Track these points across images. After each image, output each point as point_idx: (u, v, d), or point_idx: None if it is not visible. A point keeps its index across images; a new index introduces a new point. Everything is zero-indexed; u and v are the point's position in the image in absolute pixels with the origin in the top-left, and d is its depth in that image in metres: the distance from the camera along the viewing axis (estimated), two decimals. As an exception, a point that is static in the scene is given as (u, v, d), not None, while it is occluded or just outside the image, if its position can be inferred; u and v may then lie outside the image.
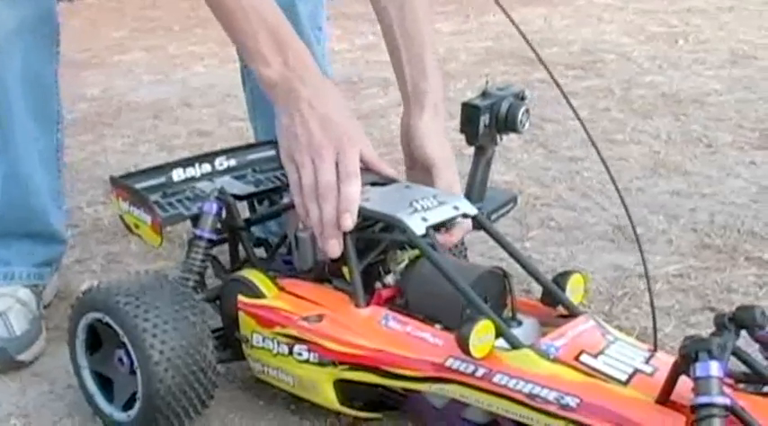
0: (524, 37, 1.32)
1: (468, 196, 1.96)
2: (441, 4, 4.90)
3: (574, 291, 1.12)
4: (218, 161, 1.47)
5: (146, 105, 3.09)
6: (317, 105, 1.12)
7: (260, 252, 1.38)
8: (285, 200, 1.30)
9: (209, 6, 1.17)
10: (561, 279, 1.12)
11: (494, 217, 1.96)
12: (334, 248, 1.11)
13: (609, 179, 2.11)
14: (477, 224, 1.17)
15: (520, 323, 1.08)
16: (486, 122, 1.89)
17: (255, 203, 1.43)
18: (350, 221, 1.09)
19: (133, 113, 3.01)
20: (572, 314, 1.09)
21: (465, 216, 1.16)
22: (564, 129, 2.52)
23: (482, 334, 0.98)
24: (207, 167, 1.46)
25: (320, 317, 1.11)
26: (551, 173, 2.19)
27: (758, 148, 2.32)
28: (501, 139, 1.98)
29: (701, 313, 1.48)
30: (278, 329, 1.14)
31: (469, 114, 1.88)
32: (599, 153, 1.23)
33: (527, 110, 1.90)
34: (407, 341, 1.05)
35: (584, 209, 1.96)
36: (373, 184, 1.23)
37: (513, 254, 1.15)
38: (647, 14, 4.32)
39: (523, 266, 1.15)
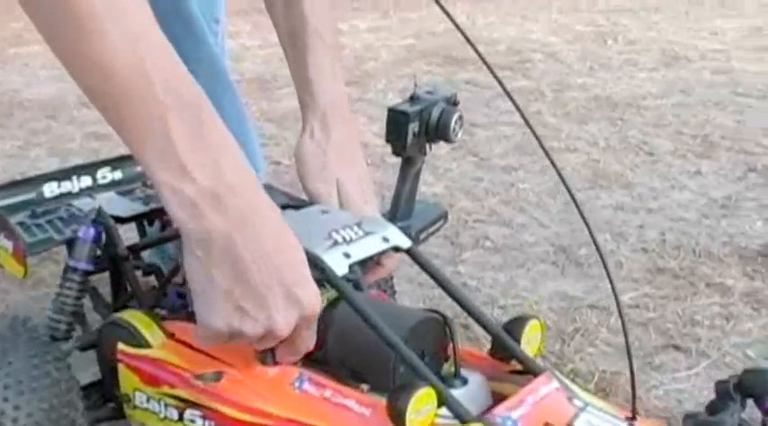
0: (464, 33, 1.11)
1: (395, 212, 1.78)
2: (356, -1, 4.71)
3: (530, 341, 0.92)
4: (100, 173, 1.24)
5: (40, 103, 2.84)
6: (272, 260, 0.77)
7: (151, 280, 1.16)
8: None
9: (58, 55, 0.73)
10: (514, 326, 0.92)
11: (423, 235, 1.77)
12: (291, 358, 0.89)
13: (546, 191, 1.97)
14: (412, 258, 0.96)
15: (465, 382, 0.87)
16: (415, 130, 1.70)
17: (145, 224, 1.21)
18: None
19: (26, 112, 2.75)
20: (529, 370, 0.89)
21: (396, 249, 0.95)
22: (495, 135, 2.34)
23: (421, 406, 0.77)
24: (87, 180, 1.22)
25: (218, 376, 0.89)
26: (483, 185, 2.00)
27: (701, 157, 2.17)
28: (430, 149, 1.80)
29: (665, 351, 1.30)
30: (166, 389, 0.92)
31: (397, 121, 1.68)
32: (552, 162, 1.04)
33: (460, 117, 1.70)
34: (326, 411, 0.83)
35: (521, 226, 1.77)
36: (284, 207, 1.02)
37: (454, 295, 0.95)
38: (572, 13, 4.19)
39: (467, 310, 0.94)
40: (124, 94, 0.72)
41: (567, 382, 0.87)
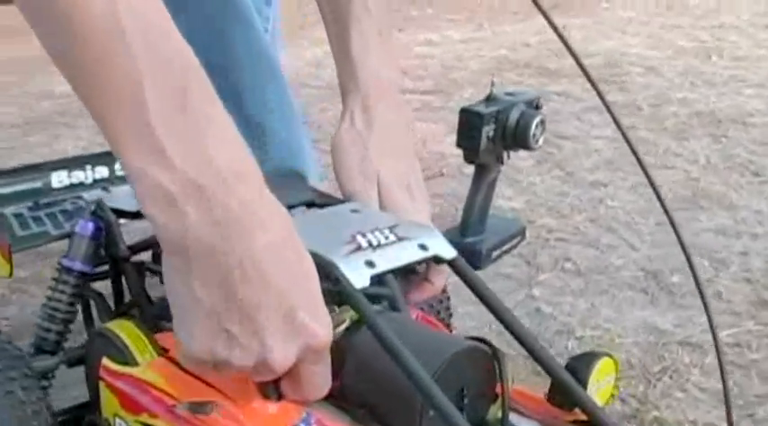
0: (563, 39, 0.97)
1: (465, 226, 1.60)
2: (450, 10, 4.55)
3: (599, 385, 0.73)
4: (118, 164, 1.09)
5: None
6: (268, 271, 0.60)
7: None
8: None
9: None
10: (580, 365, 0.73)
11: (495, 253, 1.59)
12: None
13: (639, 210, 1.77)
14: (456, 272, 0.77)
15: None
16: (489, 135, 1.53)
17: None
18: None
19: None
20: (597, 423, 0.70)
21: (437, 260, 0.75)
22: (585, 149, 2.15)
23: None
24: (102, 171, 1.09)
25: (208, 407, 0.72)
26: (569, 201, 1.81)
27: (815, 180, 1.95)
28: (508, 157, 1.62)
29: (770, 401, 1.10)
30: (145, 417, 0.75)
31: (470, 123, 1.51)
32: (646, 173, 0.87)
33: (542, 122, 1.53)
34: (331, 462, 0.66)
35: (609, 247, 1.58)
36: (309, 205, 0.86)
37: (504, 321, 0.75)
38: (674, 29, 3.96)
39: (520, 340, 0.74)
40: (91, 53, 0.57)
41: None
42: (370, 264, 0.69)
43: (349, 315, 0.74)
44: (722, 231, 1.66)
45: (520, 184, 1.91)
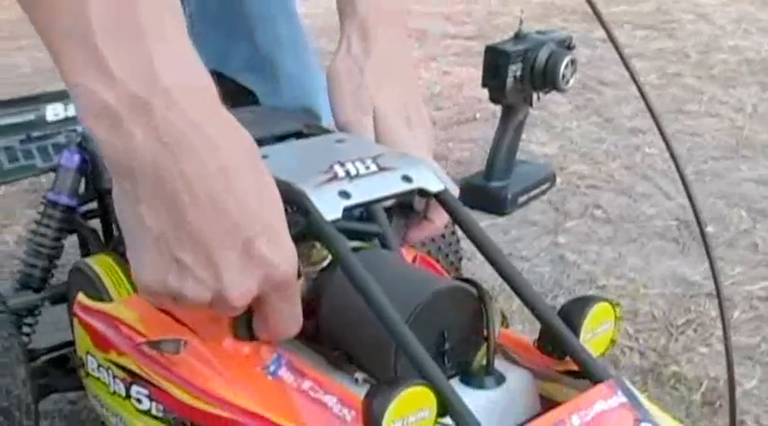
0: None
1: (491, 169, 1.55)
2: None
3: (595, 334, 0.66)
4: None
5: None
6: (221, 198, 0.55)
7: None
8: None
9: None
10: (574, 310, 0.65)
11: (522, 198, 1.54)
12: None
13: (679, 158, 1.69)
14: (442, 205, 0.71)
15: (500, 381, 0.64)
16: (517, 74, 1.47)
17: None
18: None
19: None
20: (586, 375, 0.64)
21: (421, 193, 0.68)
22: (625, 95, 2.07)
23: (407, 411, 0.54)
24: None
25: (177, 345, 0.68)
26: (604, 147, 1.74)
27: None
28: (538, 99, 1.56)
29: (798, 361, 1.04)
30: (113, 355, 0.72)
31: (496, 62, 1.45)
32: (657, 121, 0.81)
33: (572, 62, 1.46)
34: (298, 407, 0.61)
35: (642, 196, 1.51)
36: (296, 135, 0.80)
37: (494, 261, 0.68)
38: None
39: (506, 279, 0.66)
40: None
41: (640, 396, 0.62)
42: (345, 195, 0.63)
43: (325, 254, 0.69)
44: (763, 181, 1.58)
45: (555, 130, 1.84)
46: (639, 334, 1.09)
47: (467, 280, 0.66)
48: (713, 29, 2.78)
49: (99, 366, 0.73)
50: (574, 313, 0.64)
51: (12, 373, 0.73)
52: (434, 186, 0.67)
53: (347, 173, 0.64)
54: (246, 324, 0.66)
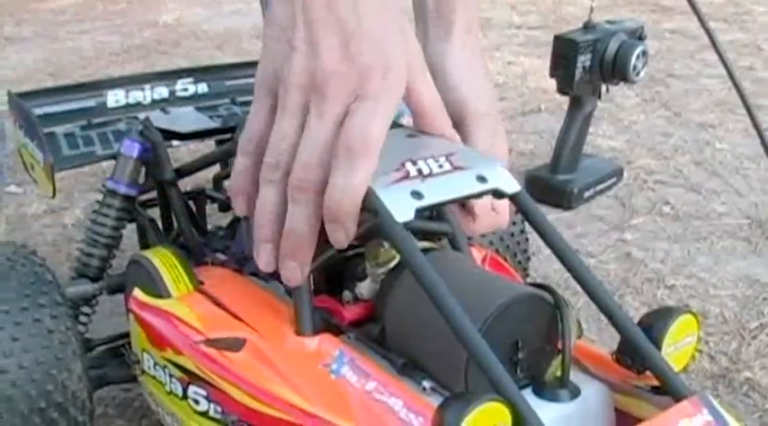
0: None
1: (556, 163, 1.51)
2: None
3: (677, 348, 0.63)
4: (180, 83, 1.04)
5: (213, 35, 2.75)
6: (341, 1, 0.57)
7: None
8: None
9: None
10: (656, 321, 0.62)
11: (588, 193, 1.49)
12: (294, 274, 0.59)
13: (749, 155, 1.64)
14: (518, 209, 0.67)
15: (575, 394, 0.61)
16: (585, 64, 1.43)
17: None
18: (342, 239, 0.58)
19: (197, 43, 2.66)
20: (668, 391, 0.60)
21: (496, 194, 0.64)
22: (695, 88, 2.02)
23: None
24: (162, 91, 1.03)
25: (237, 343, 0.66)
26: (672, 142, 1.70)
27: None
28: (607, 91, 1.51)
29: None
30: (170, 353, 0.70)
31: (564, 52, 1.41)
32: (752, 116, 0.77)
33: (644, 53, 1.42)
34: (362, 410, 0.59)
35: (712, 192, 1.47)
36: None
37: (570, 267, 0.65)
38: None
39: (587, 290, 0.63)
40: None
41: (726, 415, 0.58)
42: (418, 195, 0.59)
43: (391, 255, 0.67)
44: (841, 179, 1.53)
45: (622, 123, 1.80)
46: (710, 337, 1.05)
47: (541, 286, 0.64)
48: (787, 21, 2.72)
49: (155, 364, 0.72)
50: (655, 325, 0.61)
51: (68, 368, 0.72)
52: (510, 187, 0.63)
53: (419, 171, 0.60)
54: (310, 320, 0.64)
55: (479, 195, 0.63)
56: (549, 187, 1.43)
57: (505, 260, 0.85)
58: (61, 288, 0.76)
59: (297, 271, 0.59)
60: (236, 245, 0.84)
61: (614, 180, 1.49)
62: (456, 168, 0.62)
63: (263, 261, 0.60)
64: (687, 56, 2.28)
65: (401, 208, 0.58)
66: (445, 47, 0.76)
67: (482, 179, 0.62)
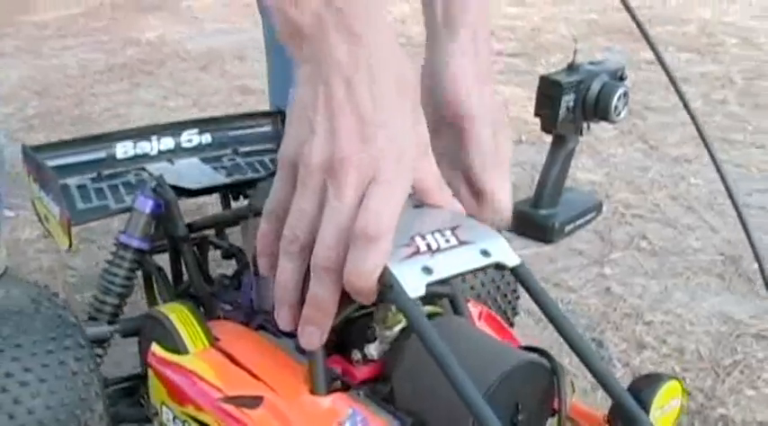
0: (626, 5, 0.91)
1: (539, 197, 1.56)
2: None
3: (664, 411, 0.68)
4: (185, 135, 1.08)
5: (197, 55, 2.78)
6: (359, 87, 0.63)
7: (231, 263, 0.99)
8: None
9: None
10: (645, 387, 0.69)
11: (569, 228, 1.54)
12: (313, 338, 0.65)
13: (723, 190, 1.70)
14: (519, 281, 0.72)
15: None
16: (569, 105, 1.48)
17: (230, 197, 1.04)
18: (364, 302, 0.64)
19: (180, 63, 2.69)
20: None
21: (498, 266, 0.69)
22: (671, 122, 2.08)
23: None
24: (168, 142, 1.07)
25: (255, 402, 0.70)
26: (650, 176, 1.75)
27: None
28: (588, 129, 1.57)
29: None
30: (190, 409, 0.74)
31: (549, 92, 1.46)
32: (712, 155, 0.82)
33: (625, 94, 1.47)
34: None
35: (688, 228, 1.52)
36: None
37: (566, 336, 0.68)
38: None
39: (581, 357, 0.68)
40: None
41: None
42: (428, 271, 0.64)
43: (398, 319, 0.71)
44: (810, 218, 1.59)
45: (600, 155, 1.86)
46: (687, 374, 1.10)
47: (538, 350, 0.68)
48: (759, 54, 2.78)
49: (175, 417, 0.76)
50: (644, 390, 0.67)
51: (91, 408, 0.75)
52: (511, 260, 0.68)
53: (428, 246, 0.65)
54: (324, 379, 0.68)
55: (483, 268, 0.68)
56: (531, 221, 1.48)
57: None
58: (83, 330, 0.80)
59: (316, 336, 0.64)
60: (243, 298, 0.88)
61: (594, 214, 1.55)
62: (462, 242, 0.67)
63: (284, 321, 0.66)
64: (664, 87, 2.33)
65: (414, 284, 0.63)
66: (449, 52, 0.82)
67: (486, 253, 0.67)
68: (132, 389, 0.89)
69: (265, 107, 2.25)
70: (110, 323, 0.91)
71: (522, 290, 0.96)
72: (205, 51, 2.82)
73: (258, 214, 0.75)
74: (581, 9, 3.47)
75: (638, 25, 0.87)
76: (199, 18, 3.33)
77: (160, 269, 0.96)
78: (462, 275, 0.67)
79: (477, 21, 0.83)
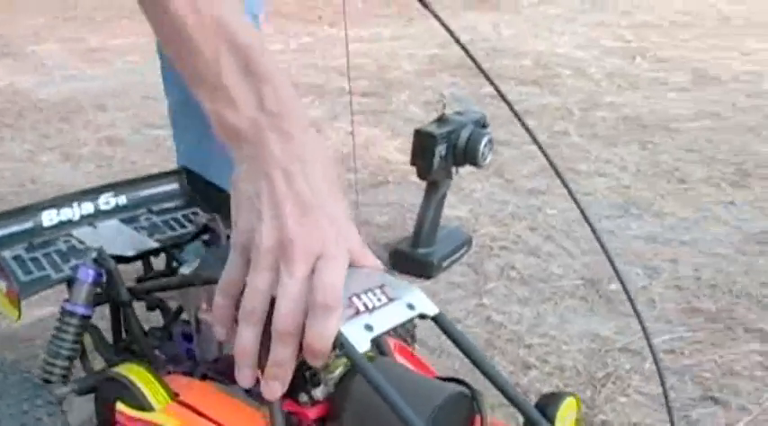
0: (464, 48, 1.04)
1: (417, 237, 1.70)
2: (380, 6, 4.64)
3: (565, 422, 0.83)
4: (102, 198, 1.16)
5: (54, 105, 2.80)
6: (296, 177, 0.75)
7: (155, 315, 1.08)
8: (183, 269, 1.00)
9: (145, 13, 0.81)
10: (549, 404, 0.82)
11: (445, 263, 1.69)
12: (274, 391, 0.77)
13: (575, 218, 1.88)
14: (439, 326, 0.86)
15: None
16: (442, 153, 1.62)
17: (150, 258, 1.14)
18: (320, 364, 0.76)
19: (39, 114, 2.71)
20: None
21: (422, 316, 0.80)
22: (521, 155, 2.26)
23: None
24: (88, 207, 1.15)
25: None
26: (509, 209, 1.92)
27: (735, 186, 2.08)
28: (456, 172, 1.72)
29: (703, 404, 1.22)
30: None
31: (424, 144, 1.61)
32: (566, 186, 0.97)
33: (490, 140, 1.63)
34: None
35: (549, 256, 1.69)
36: None
37: (484, 372, 0.83)
38: (599, 27, 4.11)
39: (499, 388, 0.81)
40: (187, 42, 0.76)
41: None
42: (369, 328, 0.75)
43: (342, 362, 0.83)
44: (653, 238, 1.78)
45: (463, 191, 2.01)
46: (569, 388, 1.25)
47: (460, 381, 0.82)
48: (590, 84, 3.02)
49: None
50: (549, 406, 0.81)
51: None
52: (431, 310, 0.81)
53: (365, 306, 0.76)
54: (283, 422, 0.79)
55: (411, 320, 0.81)
56: (411, 260, 1.62)
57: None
58: (51, 390, 0.89)
59: (278, 389, 0.76)
60: (180, 349, 0.99)
61: (466, 248, 1.70)
62: (390, 299, 0.78)
63: (246, 380, 0.77)
64: (509, 121, 2.52)
65: (360, 340, 0.74)
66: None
67: (411, 306, 0.79)
68: None
69: (135, 158, 2.34)
70: (62, 384, 0.99)
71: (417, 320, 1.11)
72: (60, 101, 2.83)
73: (206, 282, 0.87)
74: (422, 44, 3.66)
75: (477, 65, 0.99)
76: (45, 65, 3.34)
77: (95, 327, 1.05)
78: (394, 328, 0.80)
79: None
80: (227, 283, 0.78)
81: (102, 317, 1.10)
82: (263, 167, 0.75)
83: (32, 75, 3.18)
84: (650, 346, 0.88)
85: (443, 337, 0.81)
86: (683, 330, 1.42)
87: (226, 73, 0.76)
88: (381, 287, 0.80)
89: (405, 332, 1.15)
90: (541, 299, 1.52)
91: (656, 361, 0.88)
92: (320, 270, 0.73)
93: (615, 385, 1.26)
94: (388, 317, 0.78)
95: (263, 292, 0.75)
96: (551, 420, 0.80)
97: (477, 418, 0.81)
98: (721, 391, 1.25)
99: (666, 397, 0.93)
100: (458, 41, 1.00)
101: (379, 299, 0.78)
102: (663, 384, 0.89)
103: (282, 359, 0.75)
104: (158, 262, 1.16)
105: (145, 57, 3.31)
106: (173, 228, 1.16)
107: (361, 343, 0.74)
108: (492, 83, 1.02)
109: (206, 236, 1.11)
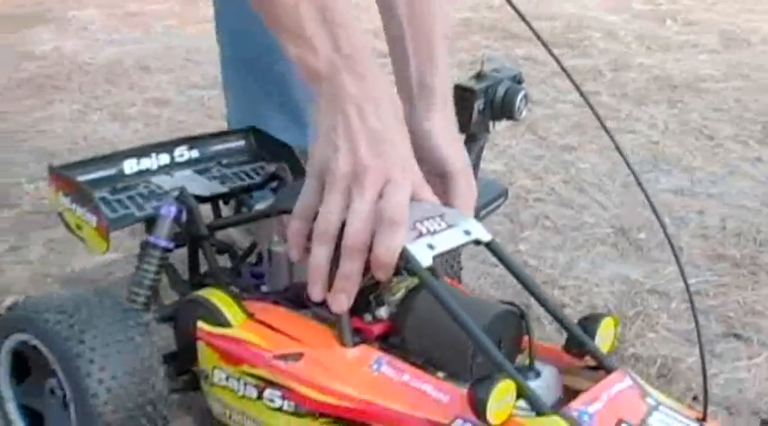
0: (516, 9, 1.13)
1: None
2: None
3: (604, 338, 0.92)
4: (177, 151, 1.26)
5: (100, 67, 2.86)
6: (368, 113, 0.86)
7: (222, 259, 1.17)
8: (258, 206, 1.09)
9: None
10: (590, 323, 0.92)
11: (483, 213, 1.77)
12: (341, 304, 0.88)
13: (606, 172, 1.96)
14: (492, 252, 0.96)
15: (538, 374, 0.88)
16: (480, 108, 1.70)
17: (221, 203, 1.23)
18: (385, 278, 0.88)
19: (86, 76, 2.78)
20: (602, 367, 0.90)
21: (477, 242, 0.93)
22: (553, 113, 2.33)
23: (502, 397, 0.78)
24: (165, 158, 1.24)
25: (298, 357, 0.91)
26: (543, 163, 2.00)
27: (762, 143, 2.15)
28: (494, 127, 1.80)
29: (726, 340, 1.31)
30: (246, 367, 0.94)
31: (463, 98, 1.69)
32: (615, 143, 1.05)
33: (525, 95, 1.71)
34: (404, 394, 0.85)
35: (582, 207, 1.78)
36: None
37: (534, 293, 0.95)
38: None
39: (546, 308, 0.95)
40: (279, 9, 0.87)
41: (640, 380, 0.88)
42: (431, 247, 0.87)
43: (405, 285, 0.93)
44: (680, 191, 1.86)
45: (498, 147, 2.09)
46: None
47: (510, 303, 0.92)
48: (621, 46, 3.07)
49: (228, 377, 0.96)
50: (589, 325, 0.91)
51: (156, 373, 0.96)
52: (485, 237, 0.92)
53: (428, 230, 0.88)
54: (350, 334, 0.89)
55: (467, 244, 0.91)
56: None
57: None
58: (141, 314, 0.99)
59: (345, 302, 0.88)
60: (246, 281, 1.09)
61: (503, 199, 1.78)
62: (449, 226, 0.91)
63: (317, 294, 0.89)
64: (540, 81, 2.59)
65: (423, 257, 0.86)
66: (428, 118, 1.05)
67: (468, 232, 0.92)
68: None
69: (182, 118, 2.43)
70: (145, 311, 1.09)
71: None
72: (105, 64, 2.90)
73: (281, 212, 0.98)
74: (456, 8, 3.72)
75: (528, 24, 1.06)
76: (89, 29, 3.41)
77: (171, 265, 1.15)
78: (454, 250, 0.90)
79: (445, 83, 1.08)
80: (303, 207, 0.88)
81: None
82: (339, 104, 0.86)
83: (76, 39, 3.23)
84: (685, 282, 0.95)
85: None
86: (709, 274, 1.50)
87: (305, 20, 0.85)
88: (441, 215, 0.91)
89: (451, 270, 1.24)
90: (574, 246, 1.61)
91: (690, 297, 0.96)
92: (388, 194, 0.84)
93: (644, 322, 1.35)
94: (448, 240, 0.89)
95: (337, 213, 0.85)
96: (592, 336, 0.90)
97: (525, 337, 0.90)
98: (744, 329, 1.33)
99: (698, 329, 0.99)
100: (512, 5, 1.07)
101: (439, 225, 0.90)
102: (695, 316, 0.97)
103: (350, 272, 0.85)
104: (225, 212, 1.25)
105: (182, 21, 3.37)
106: (242, 179, 1.25)
107: (424, 259, 0.85)
108: (541, 41, 1.10)
109: (274, 184, 1.20)
